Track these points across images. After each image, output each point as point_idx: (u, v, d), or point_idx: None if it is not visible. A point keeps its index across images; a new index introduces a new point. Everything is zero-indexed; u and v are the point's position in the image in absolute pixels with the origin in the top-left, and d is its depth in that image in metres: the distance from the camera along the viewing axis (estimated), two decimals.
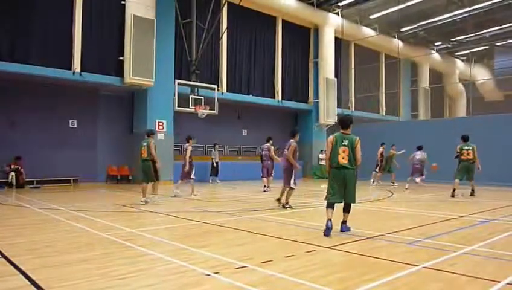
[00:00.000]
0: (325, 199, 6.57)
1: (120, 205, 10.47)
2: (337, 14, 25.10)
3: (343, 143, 6.52)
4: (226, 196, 13.17)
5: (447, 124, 23.15)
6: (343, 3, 24.42)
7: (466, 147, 12.48)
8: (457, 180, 12.51)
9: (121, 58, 16.88)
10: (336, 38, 25.35)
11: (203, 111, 18.01)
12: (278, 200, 10.02)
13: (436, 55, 33.04)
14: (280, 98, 23.45)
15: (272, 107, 23.71)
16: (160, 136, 17.88)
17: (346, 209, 6.64)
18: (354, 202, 6.59)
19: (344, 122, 6.73)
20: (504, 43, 31.58)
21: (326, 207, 6.47)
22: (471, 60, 31.87)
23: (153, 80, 17.08)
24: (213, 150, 19.39)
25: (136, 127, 18.42)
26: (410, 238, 6.12)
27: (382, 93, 30.81)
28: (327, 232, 6.26)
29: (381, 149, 17.74)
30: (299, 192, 14.47)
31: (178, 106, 17.46)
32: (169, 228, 7.28)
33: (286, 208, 9.63)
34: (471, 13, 24.12)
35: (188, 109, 17.77)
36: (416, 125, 23.42)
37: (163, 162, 17.72)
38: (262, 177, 14.81)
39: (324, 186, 8.13)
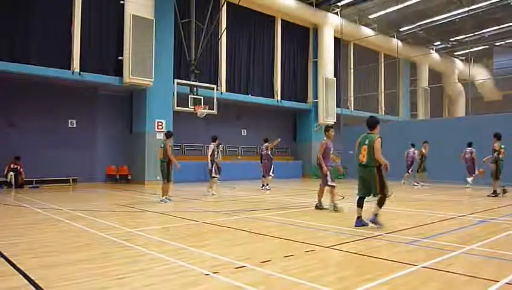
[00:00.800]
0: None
1: (119, 204, 10.47)
2: (337, 13, 25.11)
3: (365, 142, 7.00)
4: (225, 195, 13.17)
5: (446, 123, 23.17)
6: (342, 3, 24.44)
7: (503, 146, 12.30)
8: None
9: (120, 58, 16.89)
10: (335, 38, 25.36)
11: (203, 111, 18.01)
12: (319, 205, 9.42)
13: (435, 55, 33.07)
14: (279, 98, 23.46)
15: (271, 107, 23.72)
16: (159, 135, 17.88)
17: (378, 202, 6.96)
18: (375, 195, 6.93)
19: (368, 123, 7.24)
20: (503, 42, 31.63)
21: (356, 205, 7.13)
22: (470, 59, 31.91)
23: (152, 80, 17.08)
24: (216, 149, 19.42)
25: (135, 126, 18.43)
26: (409, 238, 6.12)
27: (381, 93, 30.83)
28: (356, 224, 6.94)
29: (422, 149, 16.50)
30: (297, 192, 14.50)
31: (177, 106, 17.46)
32: (169, 228, 7.28)
33: (337, 210, 8.94)
34: (470, 13, 24.14)
35: (187, 109, 17.78)
36: (415, 125, 23.44)
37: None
38: (263, 176, 15.23)
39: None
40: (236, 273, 4.21)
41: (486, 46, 32.37)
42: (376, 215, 6.93)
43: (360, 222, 6.93)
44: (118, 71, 16.93)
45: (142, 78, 16.81)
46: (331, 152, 9.45)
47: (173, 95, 17.47)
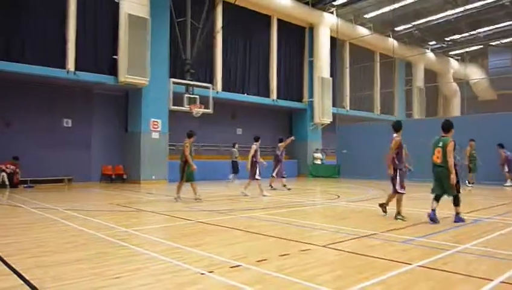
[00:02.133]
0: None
1: (115, 204, 10.44)
2: (332, 13, 25.14)
3: (439, 145, 7.53)
4: (221, 195, 13.16)
5: (441, 123, 23.19)
6: (338, 2, 24.48)
7: None
8: None
9: (115, 57, 16.83)
10: (331, 38, 25.39)
11: (198, 110, 17.98)
12: (383, 206, 8.45)
13: (430, 55, 33.19)
14: (275, 97, 23.47)
15: (266, 106, 23.73)
16: (154, 135, 17.86)
17: (454, 203, 7.52)
18: (450, 195, 7.49)
19: (443, 126, 7.69)
20: (497, 42, 31.77)
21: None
22: (465, 59, 32.08)
23: (148, 79, 17.04)
24: (234, 148, 19.39)
25: (131, 126, 18.38)
26: (404, 237, 6.14)
27: (377, 93, 30.90)
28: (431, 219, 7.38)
29: (468, 147, 15.71)
30: (293, 191, 14.50)
31: (173, 105, 17.42)
32: (164, 227, 7.28)
33: (397, 218, 7.76)
34: (465, 13, 24.26)
35: (182, 108, 17.74)
36: (410, 125, 23.50)
37: (157, 161, 17.81)
38: (272, 176, 14.87)
39: None
40: (231, 273, 4.21)
41: (481, 46, 32.52)
42: (458, 213, 7.53)
43: (458, 218, 7.51)
44: (113, 70, 16.88)
45: (138, 78, 16.76)
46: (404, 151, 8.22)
47: (169, 94, 17.42)
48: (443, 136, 7.59)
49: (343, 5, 24.78)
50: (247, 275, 4.17)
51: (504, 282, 3.94)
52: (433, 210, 7.41)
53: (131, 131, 18.25)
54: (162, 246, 5.58)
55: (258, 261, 4.64)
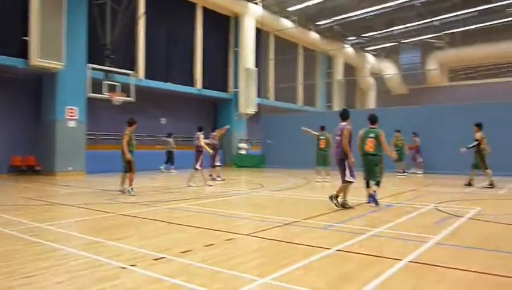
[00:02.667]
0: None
1: (26, 197, 9.68)
2: (257, 4, 25.32)
3: (370, 135, 8.31)
4: (144, 186, 12.78)
5: (358, 115, 24.52)
6: None
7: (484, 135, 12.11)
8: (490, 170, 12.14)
9: (25, 38, 15.46)
10: (256, 29, 25.59)
11: (119, 98, 17.19)
12: (335, 197, 7.97)
13: (349, 50, 34.82)
14: (200, 87, 23.20)
15: (191, 96, 23.37)
16: (71, 124, 16.79)
17: (376, 184, 8.36)
18: (375, 179, 8.34)
19: (371, 119, 8.55)
20: (409, 41, 34.17)
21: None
22: (380, 55, 34.14)
23: (63, 64, 15.90)
24: (169, 138, 19.13)
25: (45, 113, 17.09)
26: (324, 223, 6.43)
27: (300, 84, 31.82)
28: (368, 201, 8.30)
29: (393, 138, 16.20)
30: (218, 181, 14.50)
31: (91, 92, 16.46)
32: (82, 221, 6.90)
33: (347, 207, 7.82)
34: (380, 11, 25.71)
35: (102, 96, 16.84)
36: (330, 116, 24.56)
37: (74, 151, 16.80)
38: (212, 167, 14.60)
39: None
40: (155, 265, 4.11)
41: (395, 43, 34.79)
42: (375, 192, 8.29)
43: (371, 198, 8.26)
44: (23, 53, 15.51)
45: (51, 61, 15.56)
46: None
47: (86, 81, 16.43)
48: (372, 128, 8.44)
49: None
50: (171, 266, 4.10)
51: (412, 261, 4.29)
52: (370, 194, 8.31)
53: (45, 119, 16.99)
54: (79, 241, 5.30)
55: (182, 252, 4.58)
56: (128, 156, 10.37)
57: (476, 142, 11.95)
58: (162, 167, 19.00)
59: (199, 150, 12.59)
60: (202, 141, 12.45)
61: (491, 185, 11.89)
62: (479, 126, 12.09)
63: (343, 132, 7.90)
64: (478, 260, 4.46)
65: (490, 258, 4.55)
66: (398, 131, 16.57)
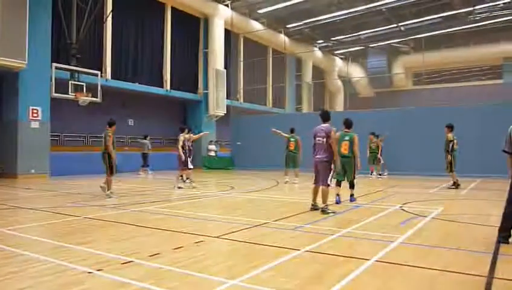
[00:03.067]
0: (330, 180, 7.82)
1: None
2: (227, 6, 25.29)
3: (345, 138, 9.00)
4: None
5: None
6: None
7: (455, 137, 12.36)
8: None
9: None
10: (226, 30, 25.54)
11: (85, 98, 16.79)
12: (314, 205, 7.90)
13: (318, 53, 35.27)
14: (168, 88, 22.93)
15: (159, 97, 23.05)
16: (34, 124, 16.24)
17: (350, 186, 9.18)
18: (349, 179, 9.14)
19: (347, 123, 9.22)
20: (375, 45, 34.94)
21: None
22: (348, 58, 34.76)
23: (26, 62, 15.36)
24: (145, 140, 18.74)
25: (5, 114, 16.46)
26: (293, 224, 6.48)
27: (269, 86, 31.98)
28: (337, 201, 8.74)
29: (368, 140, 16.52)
30: (186, 183, 14.37)
31: (56, 92, 15.99)
32: (46, 225, 6.68)
33: (328, 212, 7.45)
34: (349, 16, 26.17)
35: (67, 96, 16.40)
36: (299, 118, 24.80)
37: (37, 153, 16.25)
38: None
39: None
40: (122, 269, 4.03)
41: (362, 47, 35.49)
42: (353, 195, 9.17)
43: (339, 198, 8.82)
44: None
45: (13, 60, 14.98)
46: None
47: (51, 80, 15.93)
48: (346, 132, 9.13)
49: None
50: (139, 271, 4.03)
51: (378, 261, 4.39)
52: (338, 195, 8.85)
53: (7, 119, 16.36)
54: (43, 246, 5.14)
55: (150, 255, 4.51)
56: (114, 156, 10.01)
57: (451, 143, 12.18)
58: (147, 170, 18.61)
59: (189, 150, 12.68)
60: (180, 143, 12.33)
61: (456, 185, 12.23)
62: (450, 127, 12.31)
63: (331, 134, 7.66)
64: (441, 258, 4.61)
65: (452, 256, 4.71)
66: (372, 133, 16.84)
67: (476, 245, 5.18)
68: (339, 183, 9.03)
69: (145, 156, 18.67)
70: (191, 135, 13.23)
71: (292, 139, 14.13)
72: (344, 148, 8.95)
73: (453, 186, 12.27)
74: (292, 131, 14.29)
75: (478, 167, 15.95)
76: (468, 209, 8.71)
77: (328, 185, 7.65)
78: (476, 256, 4.70)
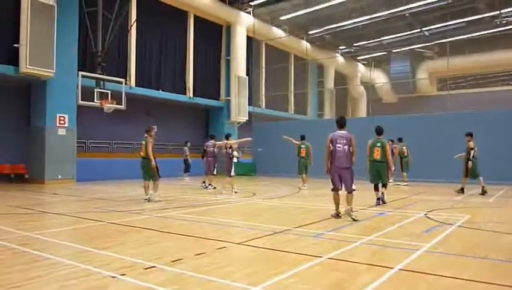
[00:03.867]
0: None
1: (14, 206, 9.56)
2: (249, 13, 25.47)
3: (377, 145, 9.79)
4: (135, 194, 12.69)
5: (349, 123, 24.65)
6: (255, 2, 24.86)
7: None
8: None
9: (15, 45, 15.37)
10: (248, 37, 25.71)
11: (110, 106, 17.13)
12: (339, 212, 7.84)
13: (340, 58, 35.08)
14: (191, 95, 23.19)
15: (182, 104, 23.34)
16: (61, 131, 16.67)
17: (383, 186, 9.97)
18: (384, 182, 9.92)
19: (378, 130, 9.90)
20: (398, 50, 34.54)
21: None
22: (371, 64, 34.43)
23: (53, 71, 15.82)
24: (185, 147, 19.58)
25: (34, 121, 16.96)
26: (315, 231, 6.43)
27: (291, 93, 31.95)
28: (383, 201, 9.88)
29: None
30: (209, 189, 14.46)
31: (82, 100, 16.37)
32: (72, 230, 6.83)
33: (354, 218, 7.45)
34: (371, 21, 25.97)
35: (92, 103, 16.77)
36: (322, 124, 24.66)
37: (64, 159, 16.65)
38: (206, 174, 14.91)
39: None
40: (145, 275, 4.08)
41: (385, 53, 35.11)
42: (383, 194, 9.91)
43: (378, 201, 9.72)
44: (13, 60, 15.40)
45: (42, 69, 15.48)
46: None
47: (77, 88, 16.34)
48: (378, 138, 9.82)
49: (260, 5, 25.21)
50: (162, 276, 4.07)
51: (402, 269, 4.31)
52: (378, 198, 9.76)
53: (35, 127, 16.85)
54: (68, 250, 5.24)
55: (173, 261, 4.55)
56: (154, 163, 10.33)
57: (472, 151, 12.21)
58: (186, 176, 19.36)
59: (230, 157, 13.08)
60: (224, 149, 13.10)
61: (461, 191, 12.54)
62: (471, 135, 12.35)
63: (352, 140, 7.79)
64: (467, 267, 4.50)
65: (479, 265, 4.58)
66: (400, 140, 16.35)
67: (503, 254, 5.04)
68: (376, 188, 9.86)
69: (186, 162, 19.16)
70: (226, 141, 13.45)
71: (303, 146, 14.57)
72: (376, 154, 9.70)
73: (461, 192, 12.44)
74: (303, 138, 14.76)
75: (506, 173, 15.53)
76: (495, 217, 8.48)
77: (353, 190, 7.74)
78: (503, 266, 4.57)
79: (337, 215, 7.75)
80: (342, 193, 7.85)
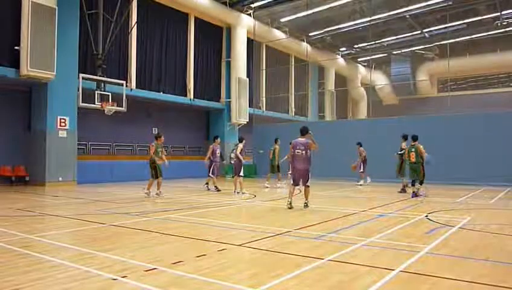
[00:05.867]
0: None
1: (15, 208, 9.57)
2: (250, 15, 25.50)
3: (412, 150, 12.04)
4: (135, 196, 12.70)
5: (350, 125, 24.73)
6: (255, 4, 24.88)
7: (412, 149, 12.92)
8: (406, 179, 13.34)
9: (16, 47, 15.40)
10: (248, 39, 25.73)
11: (110, 108, 17.14)
12: (290, 203, 9.65)
13: (341, 60, 35.10)
14: (192, 97, 23.20)
15: (183, 106, 23.36)
16: (61, 133, 16.68)
17: (420, 183, 12.22)
18: (420, 179, 12.09)
19: (413, 137, 12.20)
20: (399, 52, 34.56)
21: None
22: (371, 66, 34.44)
23: (54, 73, 15.84)
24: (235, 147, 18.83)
25: (35, 123, 16.97)
26: (316, 233, 6.42)
27: (291, 95, 31.97)
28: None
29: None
30: (209, 191, 14.46)
31: (82, 102, 16.39)
32: (73, 232, 6.83)
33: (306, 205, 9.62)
34: (371, 23, 26.01)
35: (93, 105, 16.79)
36: (322, 126, 24.66)
37: (65, 161, 16.66)
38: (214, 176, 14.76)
39: None
40: (146, 276, 4.08)
41: (385, 54, 35.15)
42: (419, 189, 11.96)
43: (414, 194, 11.90)
44: (14, 62, 15.42)
45: (43, 71, 15.50)
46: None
47: (78, 90, 16.36)
48: (413, 144, 12.03)
49: (260, 7, 25.24)
50: (163, 278, 4.07)
51: (403, 271, 4.30)
52: (415, 192, 11.86)
53: (35, 129, 16.86)
54: (69, 252, 5.24)
55: (173, 263, 4.55)
56: (160, 161, 12.11)
57: (401, 151, 13.47)
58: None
59: (240, 160, 13.62)
60: (238, 151, 13.62)
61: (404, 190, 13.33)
62: (405, 138, 13.65)
63: (309, 146, 9.39)
64: (469, 269, 4.49)
65: (481, 267, 4.57)
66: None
67: (505, 256, 5.03)
68: (413, 183, 12.18)
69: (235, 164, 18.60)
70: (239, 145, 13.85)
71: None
72: (412, 157, 11.95)
73: (403, 191, 13.30)
74: (276, 141, 16.75)
75: (506, 175, 15.50)
76: (497, 219, 8.46)
77: (308, 186, 9.55)
78: (505, 268, 4.56)
79: (290, 205, 9.36)
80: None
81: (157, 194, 12.09)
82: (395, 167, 13.85)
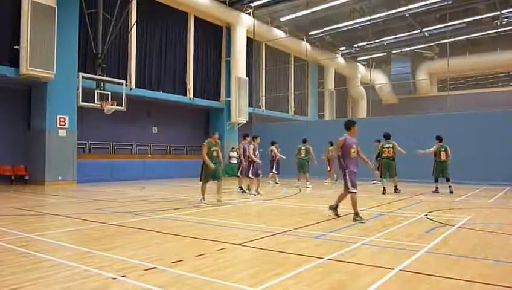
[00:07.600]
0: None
1: (15, 207, 9.56)
2: (249, 14, 25.47)
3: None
4: (135, 195, 12.70)
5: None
6: (255, 4, 24.84)
7: (387, 145, 13.13)
8: (384, 180, 13.25)
9: (16, 46, 15.39)
10: (248, 38, 25.70)
11: (110, 107, 17.13)
12: (334, 207, 8.21)
13: (340, 59, 35.08)
14: (192, 96, 23.19)
15: (183, 105, 23.35)
16: (61, 132, 16.67)
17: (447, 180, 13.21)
18: (447, 176, 13.13)
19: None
20: (398, 51, 34.55)
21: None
22: (371, 65, 34.43)
23: (54, 73, 15.84)
24: (273, 147, 17.84)
25: (34, 122, 16.96)
26: (316, 232, 6.42)
27: (291, 94, 31.95)
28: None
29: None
30: (209, 190, 14.44)
31: (82, 101, 16.38)
32: (72, 231, 6.82)
33: (356, 220, 7.42)
34: (371, 22, 26.01)
35: (93, 105, 16.78)
36: (322, 125, 24.68)
37: (64, 161, 16.65)
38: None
39: None
40: (146, 276, 4.08)
41: (385, 54, 35.13)
42: (451, 187, 12.76)
43: (437, 190, 12.98)
44: (14, 61, 15.42)
45: (42, 70, 15.49)
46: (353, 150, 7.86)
47: (78, 90, 16.35)
48: (440, 144, 13.00)
49: (259, 6, 25.21)
50: (162, 277, 4.07)
51: (403, 270, 4.30)
52: (437, 188, 13.01)
53: (35, 128, 16.85)
54: (69, 251, 5.24)
55: (173, 262, 4.55)
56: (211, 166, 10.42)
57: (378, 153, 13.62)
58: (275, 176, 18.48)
59: (250, 161, 12.99)
60: (251, 151, 12.96)
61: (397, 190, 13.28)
62: (378, 141, 14.02)
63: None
64: (468, 268, 4.49)
65: (480, 266, 4.58)
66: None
67: (504, 255, 5.03)
68: (436, 180, 13.24)
69: (273, 162, 17.80)
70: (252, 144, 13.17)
71: (303, 148, 16.01)
72: (443, 156, 13.08)
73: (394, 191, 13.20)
74: (304, 141, 16.23)
75: (505, 174, 15.51)
76: (496, 218, 8.47)
77: (349, 192, 7.73)
78: (505, 267, 4.56)
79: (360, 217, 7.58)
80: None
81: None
82: (433, 169, 13.48)
